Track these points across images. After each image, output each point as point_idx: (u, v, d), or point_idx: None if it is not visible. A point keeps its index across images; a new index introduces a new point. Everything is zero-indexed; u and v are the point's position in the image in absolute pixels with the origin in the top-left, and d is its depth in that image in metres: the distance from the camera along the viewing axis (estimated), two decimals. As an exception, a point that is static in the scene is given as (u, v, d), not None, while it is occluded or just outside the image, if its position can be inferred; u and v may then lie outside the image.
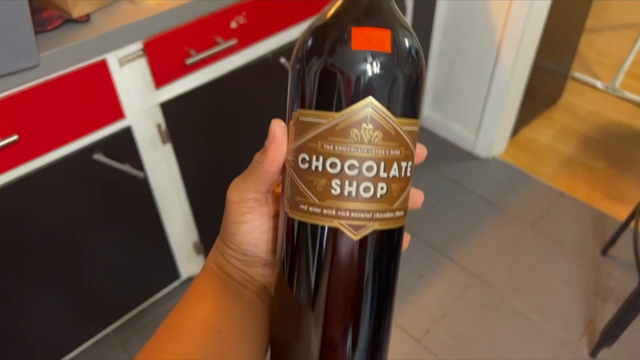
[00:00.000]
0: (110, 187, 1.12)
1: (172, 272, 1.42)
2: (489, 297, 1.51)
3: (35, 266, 1.09)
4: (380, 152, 0.29)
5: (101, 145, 1.04)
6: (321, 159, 0.30)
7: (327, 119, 0.29)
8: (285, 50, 1.25)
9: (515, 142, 2.04)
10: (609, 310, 1.44)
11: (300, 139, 0.30)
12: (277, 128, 0.31)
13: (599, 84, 2.29)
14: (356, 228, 0.30)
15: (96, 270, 1.23)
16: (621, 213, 1.71)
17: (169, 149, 1.18)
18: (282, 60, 1.25)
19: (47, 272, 1.13)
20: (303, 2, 1.22)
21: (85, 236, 1.15)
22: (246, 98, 1.27)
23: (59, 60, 0.89)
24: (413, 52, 0.30)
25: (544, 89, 2.09)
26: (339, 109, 0.29)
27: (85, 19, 0.94)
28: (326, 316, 0.31)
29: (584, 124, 2.13)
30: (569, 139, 2.06)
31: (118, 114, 1.03)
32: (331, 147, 0.29)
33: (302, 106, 0.30)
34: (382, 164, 0.30)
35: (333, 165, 0.29)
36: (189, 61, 1.06)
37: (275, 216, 0.35)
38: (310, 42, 0.30)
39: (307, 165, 0.30)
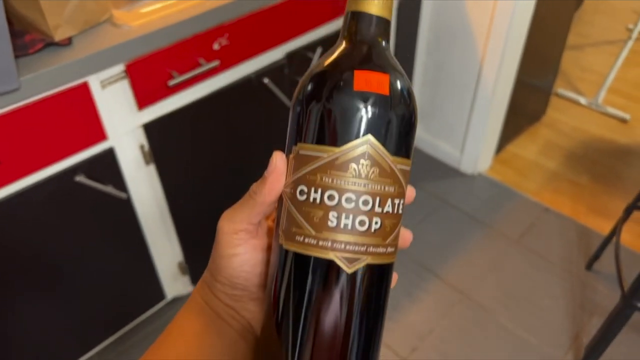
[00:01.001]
0: (93, 208, 1.12)
1: (157, 292, 1.41)
2: (475, 313, 1.51)
3: (17, 288, 1.08)
4: (376, 187, 0.31)
5: (83, 167, 1.04)
6: (320, 191, 0.31)
7: (328, 153, 0.31)
8: (268, 70, 1.27)
9: (500, 158, 2.07)
10: (594, 325, 1.45)
11: (299, 172, 0.32)
12: (279, 159, 0.32)
13: (582, 100, 2.33)
14: (350, 261, 0.31)
15: (79, 292, 1.22)
16: (605, 227, 1.73)
17: (152, 169, 1.18)
18: (266, 80, 1.26)
19: (29, 294, 1.12)
20: (284, 24, 1.24)
21: (68, 257, 1.15)
22: (230, 118, 1.28)
23: (40, 83, 0.89)
24: (407, 95, 0.33)
25: (527, 105, 2.12)
26: (339, 144, 0.31)
27: (67, 42, 0.95)
28: (314, 346, 0.31)
29: (568, 139, 2.16)
30: (554, 155, 2.09)
31: (100, 135, 1.03)
32: (330, 180, 0.31)
33: (304, 140, 0.32)
34: (378, 199, 0.31)
35: (331, 197, 0.31)
36: (172, 82, 1.07)
37: (267, 249, 0.35)
38: (315, 83, 0.32)
39: (305, 196, 0.31)
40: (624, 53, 2.22)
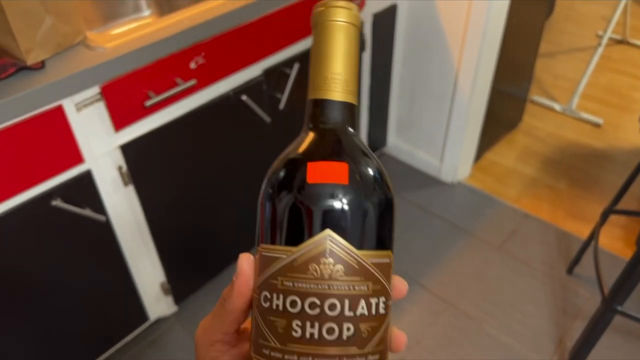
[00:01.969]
0: (71, 231, 1.11)
1: (139, 314, 1.39)
2: (460, 321, 1.52)
3: (-6, 318, 1.06)
4: (343, 287, 0.27)
5: (60, 191, 1.02)
6: (281, 297, 0.28)
7: (287, 254, 0.28)
8: (246, 88, 1.27)
9: (480, 166, 2.09)
10: (577, 329, 1.46)
11: (262, 275, 0.29)
12: (244, 262, 0.30)
13: (557, 107, 2.37)
14: None
15: (59, 317, 1.20)
16: (584, 231, 1.75)
17: (131, 190, 1.17)
18: (244, 97, 1.26)
19: (7, 319, 1.09)
20: (261, 41, 1.24)
21: (45, 282, 1.12)
22: (208, 137, 1.28)
23: (14, 108, 0.88)
24: (375, 182, 0.30)
25: (504, 113, 2.16)
26: (297, 243, 0.28)
27: (40, 65, 0.94)
28: None
29: (545, 145, 2.20)
30: (531, 161, 2.12)
31: (77, 158, 1.02)
32: (291, 284, 0.28)
33: (263, 241, 0.30)
34: (347, 302, 0.27)
35: (293, 303, 0.27)
36: (149, 103, 1.07)
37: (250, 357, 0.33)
38: (270, 180, 0.30)
39: (268, 303, 0.28)
40: (595, 59, 2.28)
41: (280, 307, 0.28)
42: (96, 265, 1.21)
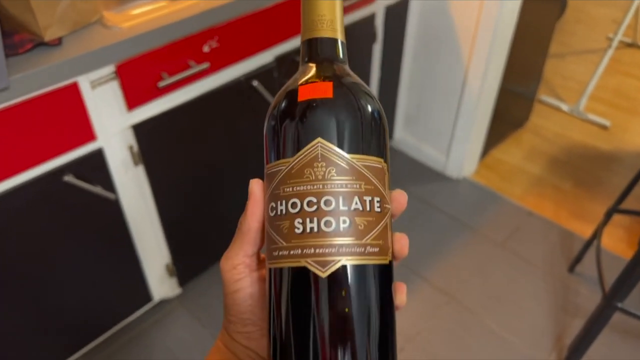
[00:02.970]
0: (81, 208, 1.12)
1: (144, 294, 1.41)
2: (461, 315, 1.53)
3: (2, 288, 1.08)
4: (336, 186, 0.30)
5: (72, 167, 1.04)
6: (284, 202, 0.31)
7: (285, 165, 0.32)
8: (258, 74, 1.28)
9: (485, 163, 2.10)
10: (576, 326, 1.47)
11: (268, 191, 0.33)
12: (255, 185, 0.34)
13: (564, 107, 2.37)
14: (323, 265, 0.30)
15: (65, 294, 1.22)
16: (587, 231, 1.76)
17: (141, 170, 1.18)
18: (255, 83, 1.28)
19: (13, 295, 1.11)
20: (274, 28, 1.25)
21: (54, 258, 1.14)
22: (219, 120, 1.29)
23: (30, 83, 0.90)
24: (359, 94, 0.33)
25: (512, 111, 2.16)
26: (293, 154, 0.32)
27: (57, 42, 0.95)
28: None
29: (551, 145, 2.20)
30: (537, 160, 2.12)
31: (89, 135, 1.04)
32: (290, 189, 0.31)
33: (267, 162, 0.34)
34: (340, 198, 0.30)
35: (294, 205, 0.31)
36: (162, 84, 1.08)
37: None
38: (271, 110, 0.34)
39: (274, 212, 0.32)
40: (605, 61, 2.28)
41: (284, 211, 0.31)
42: (103, 243, 1.23)
